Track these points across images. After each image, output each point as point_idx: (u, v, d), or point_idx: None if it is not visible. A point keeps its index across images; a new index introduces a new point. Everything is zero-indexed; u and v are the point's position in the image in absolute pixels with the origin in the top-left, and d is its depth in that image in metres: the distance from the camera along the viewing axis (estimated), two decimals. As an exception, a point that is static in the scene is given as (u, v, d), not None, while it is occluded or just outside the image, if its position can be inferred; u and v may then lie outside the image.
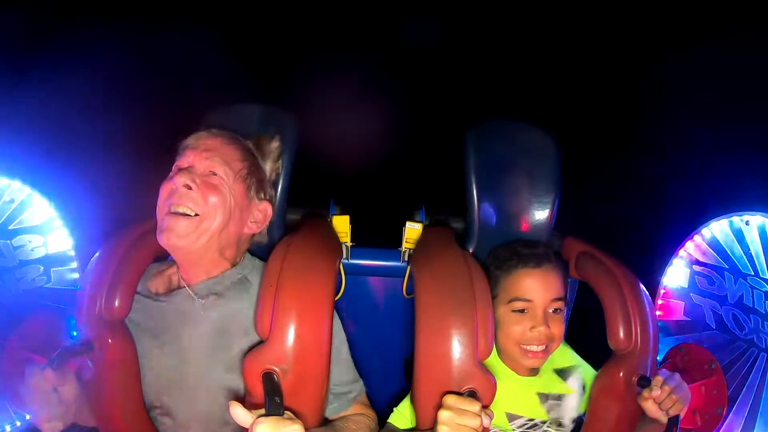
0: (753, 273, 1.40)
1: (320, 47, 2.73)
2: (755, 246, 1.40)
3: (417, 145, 2.65)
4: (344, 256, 1.37)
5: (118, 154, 2.18)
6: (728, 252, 1.46)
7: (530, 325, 1.13)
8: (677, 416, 1.07)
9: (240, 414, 0.84)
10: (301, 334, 0.97)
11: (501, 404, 1.15)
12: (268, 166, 1.21)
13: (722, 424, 1.32)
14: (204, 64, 2.51)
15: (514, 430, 1.17)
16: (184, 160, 1.11)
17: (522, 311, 1.15)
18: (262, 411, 0.86)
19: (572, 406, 1.21)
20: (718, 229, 1.49)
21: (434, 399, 1.00)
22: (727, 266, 1.47)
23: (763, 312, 1.38)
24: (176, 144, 1.15)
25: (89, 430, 1.11)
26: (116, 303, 1.06)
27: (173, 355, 1.08)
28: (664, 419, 1.08)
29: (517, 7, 2.73)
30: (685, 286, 1.58)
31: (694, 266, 1.55)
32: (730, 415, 1.35)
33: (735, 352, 1.43)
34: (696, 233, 1.55)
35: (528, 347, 1.14)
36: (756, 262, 1.39)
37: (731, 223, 1.46)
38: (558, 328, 1.14)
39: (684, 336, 1.57)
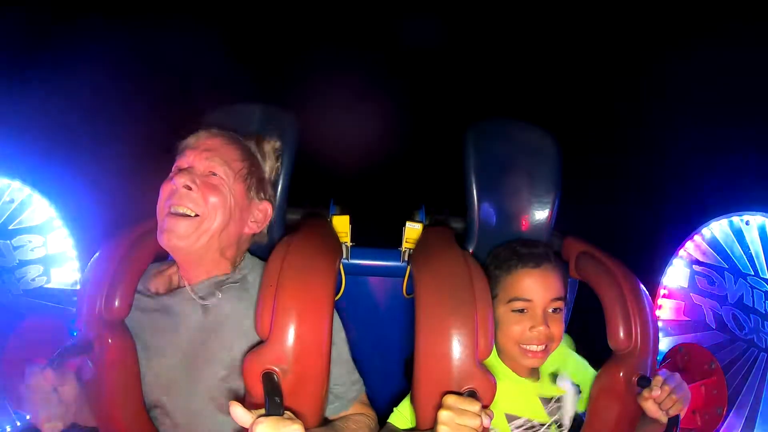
0: (753, 273, 1.40)
1: (320, 47, 2.73)
2: (755, 246, 1.40)
3: (417, 145, 2.65)
4: (344, 256, 1.37)
5: (118, 154, 2.18)
6: (728, 252, 1.46)
7: (530, 324, 1.13)
8: (677, 416, 1.07)
9: (240, 414, 0.84)
10: (301, 334, 0.97)
11: (500, 404, 1.14)
12: (267, 166, 1.21)
13: (722, 424, 1.32)
14: (204, 64, 2.51)
15: (512, 431, 1.17)
16: (184, 161, 1.11)
17: (522, 311, 1.14)
18: (262, 411, 0.86)
19: (569, 407, 1.21)
20: (718, 229, 1.49)
21: (434, 399, 1.00)
22: (727, 266, 1.47)
23: (763, 312, 1.38)
24: (176, 144, 1.15)
25: (89, 430, 1.11)
26: (116, 303, 1.06)
27: (173, 355, 1.08)
28: (664, 419, 1.08)
29: (517, 7, 2.73)
30: (685, 286, 1.58)
31: (694, 266, 1.56)
32: (730, 415, 1.35)
33: (735, 352, 1.43)
34: (696, 233, 1.55)
35: (528, 347, 1.14)
36: (756, 262, 1.39)
37: (731, 223, 1.46)
38: (558, 328, 1.14)
39: (684, 336, 1.57)
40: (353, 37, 2.76)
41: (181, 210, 1.06)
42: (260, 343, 1.00)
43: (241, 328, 1.08)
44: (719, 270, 1.49)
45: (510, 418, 1.17)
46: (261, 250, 1.23)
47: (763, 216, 1.38)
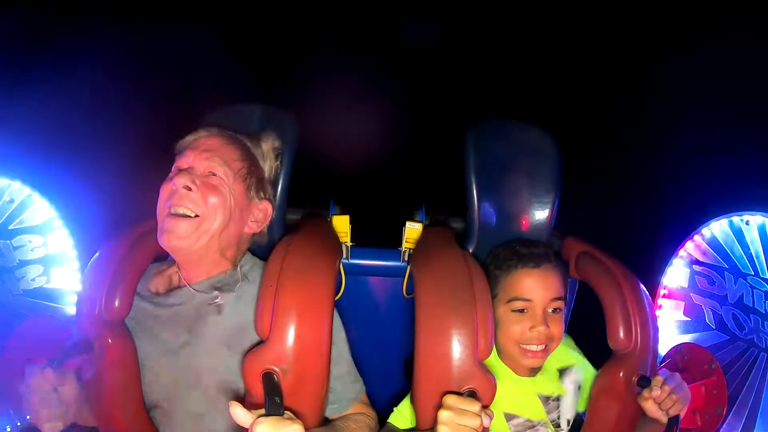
0: (753, 273, 1.40)
1: (320, 47, 2.73)
2: (755, 246, 1.40)
3: (417, 145, 2.65)
4: (344, 256, 1.37)
5: (118, 154, 2.18)
6: (728, 252, 1.46)
7: (530, 324, 1.13)
8: (677, 416, 1.07)
9: (240, 414, 0.84)
10: (301, 334, 0.97)
11: (500, 404, 1.14)
12: (267, 166, 1.21)
13: (722, 424, 1.32)
14: (204, 64, 2.51)
15: (511, 430, 1.17)
16: (183, 161, 1.11)
17: (521, 311, 1.14)
18: (262, 411, 0.86)
19: (568, 407, 1.21)
20: (718, 229, 1.49)
21: (434, 399, 1.00)
22: (727, 266, 1.47)
23: (763, 312, 1.38)
24: (175, 144, 1.15)
25: (89, 430, 1.11)
26: (116, 303, 1.06)
27: (173, 355, 1.08)
28: (664, 419, 1.08)
29: (516, 7, 2.73)
30: (685, 286, 1.58)
31: (694, 266, 1.56)
32: (730, 415, 1.35)
33: (735, 352, 1.43)
34: (696, 233, 1.55)
35: (527, 347, 1.14)
36: (756, 262, 1.40)
37: (731, 223, 1.46)
38: (557, 328, 1.14)
39: (684, 336, 1.57)
40: (353, 37, 2.76)
41: (181, 210, 1.06)
42: (260, 343, 1.00)
43: (241, 327, 1.08)
44: (719, 270, 1.49)
45: (509, 417, 1.17)
46: (261, 250, 1.23)
47: (763, 216, 1.38)
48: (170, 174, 1.11)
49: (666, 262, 1.62)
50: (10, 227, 1.48)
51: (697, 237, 1.55)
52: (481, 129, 1.37)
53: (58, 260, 1.52)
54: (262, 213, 1.18)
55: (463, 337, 1.01)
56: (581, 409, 1.24)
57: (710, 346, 1.45)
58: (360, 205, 1.44)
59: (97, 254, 1.14)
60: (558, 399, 1.20)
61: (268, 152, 1.21)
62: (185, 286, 1.12)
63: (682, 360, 1.43)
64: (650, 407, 1.08)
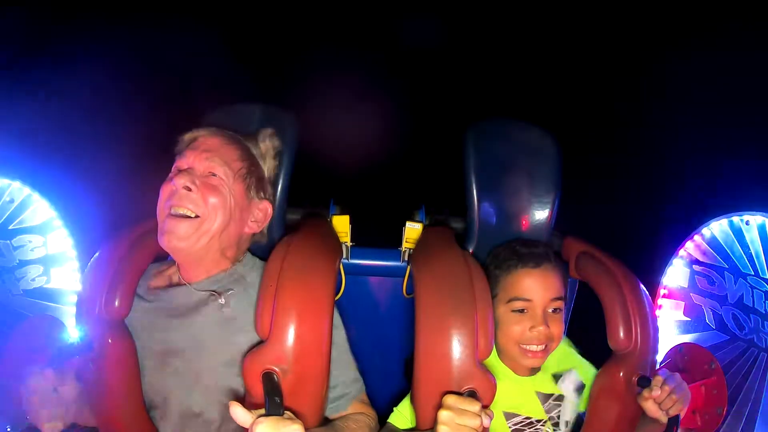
0: (753, 273, 1.40)
1: (320, 47, 2.73)
2: (755, 246, 1.40)
3: (417, 145, 2.65)
4: (344, 256, 1.37)
5: (118, 154, 2.18)
6: (728, 252, 1.46)
7: (530, 324, 1.13)
8: (677, 416, 1.07)
9: (240, 414, 0.84)
10: (301, 334, 0.97)
11: (500, 403, 1.15)
12: (267, 165, 1.21)
13: (722, 424, 1.32)
14: (204, 64, 2.51)
15: (510, 428, 1.17)
16: (183, 161, 1.11)
17: (521, 311, 1.14)
18: (262, 411, 0.86)
19: (568, 409, 1.21)
20: (718, 229, 1.49)
21: (434, 399, 1.00)
22: (727, 266, 1.47)
23: (763, 312, 1.38)
24: (175, 143, 1.15)
25: (89, 430, 1.11)
26: (116, 303, 1.06)
27: (173, 355, 1.08)
28: (664, 419, 1.08)
29: (516, 7, 2.74)
30: (685, 286, 1.58)
31: (694, 266, 1.56)
32: (730, 415, 1.35)
33: (735, 352, 1.43)
34: (696, 233, 1.55)
35: (527, 347, 1.14)
36: (756, 262, 1.40)
37: (731, 223, 1.46)
38: (557, 328, 1.14)
39: (684, 336, 1.57)
40: (353, 37, 2.76)
41: (181, 211, 1.06)
42: (260, 343, 1.00)
43: (240, 328, 1.08)
44: (719, 270, 1.49)
45: (508, 416, 1.17)
46: (261, 250, 1.23)
47: (763, 216, 1.38)
48: (170, 174, 1.11)
49: (666, 262, 1.62)
50: (10, 227, 1.48)
51: (697, 237, 1.55)
52: (481, 129, 1.37)
53: (58, 260, 1.52)
54: (262, 213, 1.18)
55: (463, 337, 1.01)
56: (581, 409, 1.24)
57: (710, 346, 1.45)
58: (360, 205, 1.44)
59: (97, 254, 1.14)
60: (558, 398, 1.20)
61: (267, 152, 1.21)
62: (185, 285, 1.12)
63: (682, 360, 1.43)
64: (650, 407, 1.08)
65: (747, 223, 1.42)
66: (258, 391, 0.94)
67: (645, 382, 1.09)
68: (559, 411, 1.20)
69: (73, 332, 1.12)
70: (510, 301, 1.15)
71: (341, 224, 1.36)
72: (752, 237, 1.40)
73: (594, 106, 2.56)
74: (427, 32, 2.64)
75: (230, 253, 1.14)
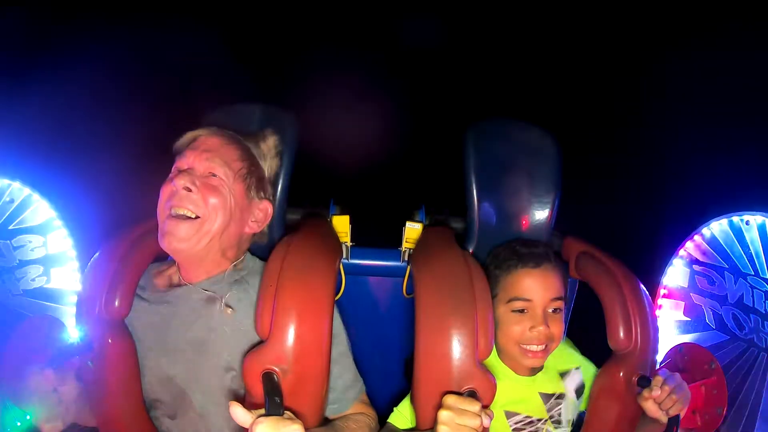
0: (753, 273, 1.40)
1: (320, 47, 2.74)
2: (755, 246, 1.40)
3: (417, 145, 2.65)
4: (344, 256, 1.37)
5: (118, 154, 2.18)
6: (728, 252, 1.46)
7: (530, 324, 1.13)
8: (677, 416, 1.07)
9: (240, 414, 0.84)
10: (301, 334, 0.97)
11: (500, 402, 1.15)
12: (267, 165, 1.21)
13: (722, 424, 1.32)
14: (204, 63, 2.51)
15: (511, 427, 1.17)
16: (183, 162, 1.11)
17: (522, 311, 1.14)
18: (262, 411, 0.86)
19: (569, 409, 1.21)
20: (718, 228, 1.49)
21: (434, 399, 1.00)
22: (727, 266, 1.47)
23: (763, 312, 1.38)
24: (175, 143, 1.15)
25: (89, 430, 1.11)
26: (116, 303, 1.06)
27: (173, 355, 1.08)
28: (664, 419, 1.08)
29: (516, 7, 2.74)
30: (685, 286, 1.58)
31: (694, 266, 1.56)
32: (730, 415, 1.35)
33: (735, 352, 1.43)
34: (696, 233, 1.55)
35: (528, 347, 1.14)
36: (756, 262, 1.40)
37: (731, 222, 1.46)
38: (558, 328, 1.14)
39: (684, 336, 1.57)
40: (353, 37, 2.76)
41: (181, 212, 1.06)
42: (260, 343, 1.00)
43: (241, 327, 1.08)
44: (719, 270, 1.49)
45: (509, 415, 1.17)
46: (261, 250, 1.23)
47: (763, 216, 1.38)
48: (170, 175, 1.11)
49: (666, 262, 1.62)
50: (10, 227, 1.48)
51: (697, 237, 1.55)
52: (481, 129, 1.37)
53: (58, 260, 1.52)
54: (262, 213, 1.18)
55: (463, 337, 1.01)
56: (582, 409, 1.24)
57: (710, 346, 1.45)
58: (360, 205, 1.45)
59: (97, 254, 1.14)
60: (559, 397, 1.20)
61: (267, 152, 1.21)
62: (185, 285, 1.12)
63: (682, 360, 1.43)
64: (650, 407, 1.08)
65: (747, 223, 1.42)
66: (258, 391, 0.94)
67: (645, 382, 1.09)
68: (560, 410, 1.20)
69: (73, 332, 1.12)
70: (510, 301, 1.15)
71: (341, 224, 1.36)
72: (752, 237, 1.40)
73: (594, 106, 2.56)
74: (426, 32, 2.64)
75: (231, 253, 1.14)
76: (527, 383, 1.20)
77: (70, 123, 2.18)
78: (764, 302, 1.37)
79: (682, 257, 1.59)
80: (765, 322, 1.37)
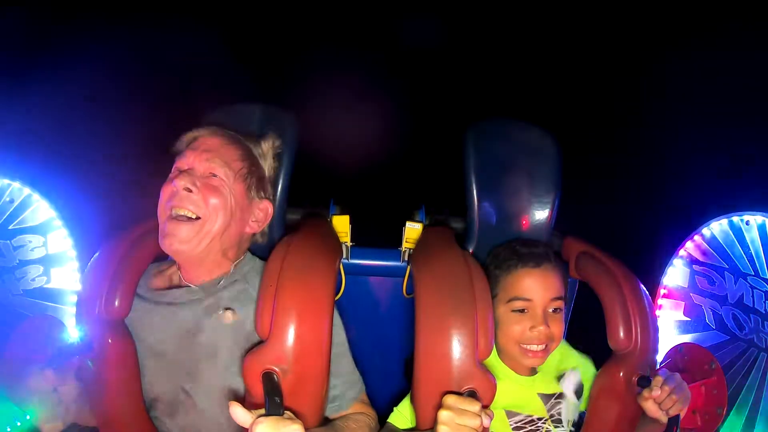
0: (753, 273, 1.40)
1: (320, 47, 2.74)
2: (755, 246, 1.40)
3: (417, 145, 2.65)
4: (344, 256, 1.37)
5: (118, 154, 2.18)
6: (728, 252, 1.46)
7: (530, 324, 1.13)
8: (677, 416, 1.07)
9: (240, 414, 0.84)
10: (301, 334, 0.97)
11: (500, 403, 1.15)
12: (267, 165, 1.21)
13: (722, 424, 1.32)
14: (204, 63, 2.51)
15: (511, 427, 1.17)
16: (183, 162, 1.11)
17: (522, 311, 1.14)
18: (262, 411, 0.86)
19: (570, 409, 1.21)
20: (718, 229, 1.49)
21: (434, 399, 1.00)
22: (727, 266, 1.47)
23: (763, 312, 1.38)
24: (175, 143, 1.15)
25: (89, 430, 1.11)
26: (116, 303, 1.06)
27: (173, 355, 1.08)
28: (664, 419, 1.08)
29: (516, 7, 2.74)
30: (685, 286, 1.58)
31: (694, 266, 1.56)
32: (730, 415, 1.35)
33: (735, 352, 1.43)
34: (696, 233, 1.55)
35: (528, 347, 1.14)
36: (756, 262, 1.40)
37: (731, 223, 1.46)
38: (558, 328, 1.14)
39: (684, 336, 1.57)
40: (353, 37, 2.76)
41: (182, 212, 1.06)
42: (260, 342, 1.00)
43: (241, 327, 1.08)
44: (719, 270, 1.49)
45: (509, 415, 1.17)
46: (261, 250, 1.23)
47: (763, 216, 1.38)
48: (170, 175, 1.11)
49: (666, 262, 1.62)
50: (10, 227, 1.48)
51: (697, 237, 1.55)
52: (481, 129, 1.37)
53: (58, 260, 1.52)
54: (262, 213, 1.18)
55: (463, 337, 1.01)
56: (582, 409, 1.24)
57: (710, 346, 1.45)
58: (360, 205, 1.45)
59: (97, 254, 1.14)
60: (559, 396, 1.20)
61: (267, 152, 1.21)
62: (185, 285, 1.12)
63: (682, 360, 1.43)
64: (650, 407, 1.08)
65: (747, 223, 1.42)
66: (258, 391, 0.94)
67: (645, 382, 1.09)
68: (560, 409, 1.20)
69: (73, 332, 1.12)
70: (510, 300, 1.15)
71: (341, 224, 1.36)
72: (752, 237, 1.40)
73: (594, 106, 2.56)
74: (426, 32, 2.64)
75: (231, 253, 1.14)
76: (527, 383, 1.20)
77: (70, 123, 2.18)
78: (764, 302, 1.37)
79: (682, 257, 1.59)
80: (765, 322, 1.37)
